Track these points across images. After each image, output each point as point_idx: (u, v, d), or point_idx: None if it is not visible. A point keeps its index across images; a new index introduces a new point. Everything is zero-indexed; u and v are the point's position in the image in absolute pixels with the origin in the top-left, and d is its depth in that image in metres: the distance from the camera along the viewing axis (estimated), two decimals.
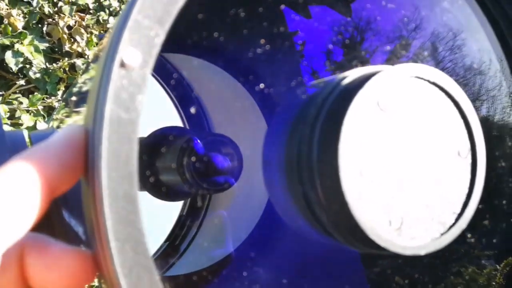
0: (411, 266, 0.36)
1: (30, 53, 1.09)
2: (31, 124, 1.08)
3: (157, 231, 0.51)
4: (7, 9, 1.09)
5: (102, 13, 1.23)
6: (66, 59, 1.16)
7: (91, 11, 1.23)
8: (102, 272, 0.18)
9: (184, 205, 0.52)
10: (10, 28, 1.09)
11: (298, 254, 0.44)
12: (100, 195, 0.17)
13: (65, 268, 0.18)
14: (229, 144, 0.45)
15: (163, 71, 0.49)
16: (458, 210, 0.24)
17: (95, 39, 1.20)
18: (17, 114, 1.08)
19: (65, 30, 1.16)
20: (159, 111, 0.51)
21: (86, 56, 1.19)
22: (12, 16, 1.09)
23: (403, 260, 0.36)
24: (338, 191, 0.22)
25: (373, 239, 0.22)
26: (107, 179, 0.17)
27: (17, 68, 1.09)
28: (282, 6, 0.38)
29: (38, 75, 1.13)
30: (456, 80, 0.24)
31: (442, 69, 0.36)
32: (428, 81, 0.24)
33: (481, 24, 0.33)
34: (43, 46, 1.13)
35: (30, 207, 0.18)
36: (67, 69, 1.16)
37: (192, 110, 0.50)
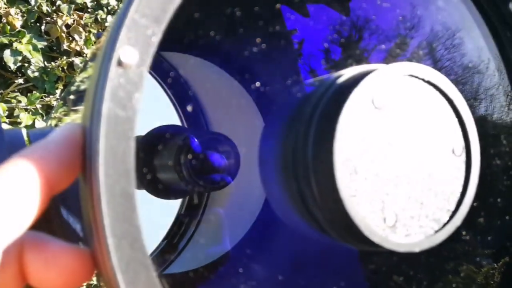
0: (407, 264, 0.36)
1: (29, 51, 1.09)
2: (29, 122, 1.08)
3: (156, 229, 0.51)
4: (6, 8, 1.09)
5: (100, 11, 1.23)
6: (65, 57, 1.16)
7: (89, 10, 1.23)
8: (99, 268, 0.18)
9: (182, 203, 0.52)
10: (8, 27, 1.09)
11: (294, 251, 0.45)
12: (98, 192, 0.17)
13: (64, 266, 0.19)
14: (226, 142, 0.45)
15: (160, 70, 0.49)
16: (453, 208, 0.24)
17: (93, 38, 1.20)
18: (16, 112, 1.08)
19: (64, 28, 1.16)
20: (156, 109, 0.51)
21: (84, 55, 1.19)
22: (11, 14, 1.08)
23: (399, 257, 0.36)
24: (333, 188, 0.22)
25: (367, 236, 0.22)
26: (104, 176, 0.17)
27: (15, 67, 1.09)
28: (279, 5, 0.39)
29: (36, 74, 1.13)
30: (455, 79, 0.24)
31: (441, 68, 0.36)
32: (423, 79, 0.24)
33: (475, 22, 0.34)
34: (41, 44, 1.13)
35: (30, 204, 0.18)
36: (65, 67, 1.16)
37: (189, 108, 0.50)
